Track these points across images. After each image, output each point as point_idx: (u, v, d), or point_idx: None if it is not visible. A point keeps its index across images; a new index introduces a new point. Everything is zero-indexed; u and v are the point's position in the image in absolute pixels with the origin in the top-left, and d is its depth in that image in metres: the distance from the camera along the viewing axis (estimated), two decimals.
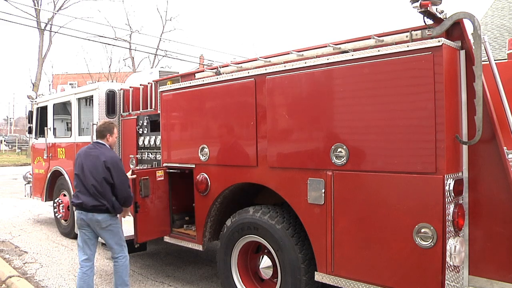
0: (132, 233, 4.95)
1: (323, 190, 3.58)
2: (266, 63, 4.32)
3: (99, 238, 4.48)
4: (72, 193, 7.24)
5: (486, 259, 3.13)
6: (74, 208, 4.37)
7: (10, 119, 66.19)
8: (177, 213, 5.36)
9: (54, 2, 31.65)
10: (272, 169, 4.02)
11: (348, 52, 3.61)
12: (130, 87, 6.59)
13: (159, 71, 6.62)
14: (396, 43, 3.32)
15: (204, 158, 4.70)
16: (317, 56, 3.84)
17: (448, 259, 2.99)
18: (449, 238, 3.01)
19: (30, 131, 9.08)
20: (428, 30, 3.24)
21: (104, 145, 4.45)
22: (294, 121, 3.83)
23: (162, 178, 5.13)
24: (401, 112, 3.15)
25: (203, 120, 4.71)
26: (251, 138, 4.17)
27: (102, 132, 4.50)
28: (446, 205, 2.97)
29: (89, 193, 4.20)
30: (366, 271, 3.35)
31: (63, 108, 8.08)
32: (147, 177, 4.94)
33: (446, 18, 3.18)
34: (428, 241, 3.02)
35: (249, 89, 4.18)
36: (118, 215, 4.43)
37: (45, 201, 8.43)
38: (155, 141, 5.81)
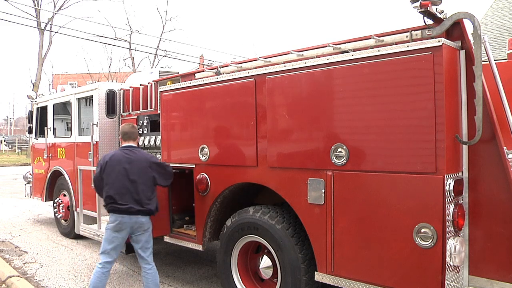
0: None
1: (323, 190, 3.58)
2: (266, 63, 4.32)
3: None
4: (71, 194, 7.26)
5: (486, 259, 3.13)
6: (114, 212, 4.25)
7: (10, 119, 66.20)
8: (177, 213, 5.36)
9: (54, 2, 31.69)
10: (272, 169, 4.02)
11: (348, 52, 3.60)
12: (130, 87, 6.58)
13: (159, 71, 6.62)
14: (396, 43, 3.32)
15: (204, 158, 4.70)
16: (317, 56, 3.84)
17: (448, 259, 2.99)
18: (449, 238, 3.01)
19: (30, 131, 9.08)
20: (428, 30, 3.24)
21: (137, 148, 4.53)
22: (294, 121, 3.82)
23: None
24: (401, 112, 3.14)
25: (203, 120, 4.71)
26: (251, 138, 4.17)
27: (133, 134, 4.55)
28: (446, 205, 2.97)
29: (135, 199, 4.21)
30: (366, 271, 3.35)
31: (63, 108, 8.08)
32: None
33: (446, 18, 3.17)
34: (428, 241, 3.01)
35: (249, 89, 4.18)
36: None
37: (45, 201, 8.44)
38: (155, 141, 5.80)
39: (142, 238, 4.35)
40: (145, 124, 6.04)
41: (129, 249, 5.63)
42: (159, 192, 5.08)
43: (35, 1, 30.64)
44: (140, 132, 6.12)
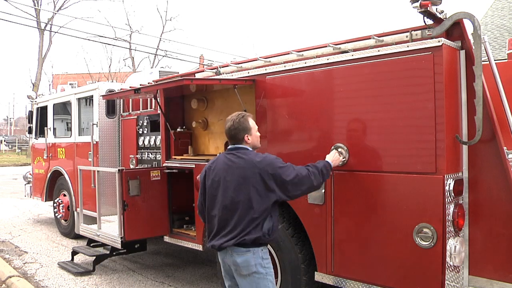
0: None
1: (323, 190, 3.57)
2: (266, 63, 4.32)
3: None
4: (71, 194, 7.26)
5: (486, 259, 3.12)
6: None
7: (10, 119, 66.13)
8: (177, 213, 5.36)
9: (54, 2, 31.65)
10: None
11: (348, 52, 3.60)
12: (130, 87, 6.58)
13: (159, 71, 6.63)
14: (396, 43, 3.32)
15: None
16: (317, 56, 3.83)
17: (448, 259, 2.99)
18: (449, 238, 3.00)
19: (30, 131, 9.08)
20: (428, 30, 3.24)
21: (246, 149, 3.02)
22: (294, 121, 3.82)
23: (158, 178, 5.13)
24: (401, 112, 3.14)
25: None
26: None
27: (237, 134, 3.00)
28: (446, 205, 2.97)
29: (228, 228, 2.92)
30: (366, 271, 3.35)
31: (63, 108, 8.07)
32: (137, 177, 4.96)
33: (446, 18, 3.17)
34: (428, 241, 3.01)
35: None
36: None
37: (45, 201, 8.43)
38: (155, 141, 5.80)
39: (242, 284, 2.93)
40: (145, 124, 6.04)
41: (129, 248, 5.64)
42: (154, 192, 5.07)
43: (35, 1, 30.63)
44: (140, 132, 6.12)
